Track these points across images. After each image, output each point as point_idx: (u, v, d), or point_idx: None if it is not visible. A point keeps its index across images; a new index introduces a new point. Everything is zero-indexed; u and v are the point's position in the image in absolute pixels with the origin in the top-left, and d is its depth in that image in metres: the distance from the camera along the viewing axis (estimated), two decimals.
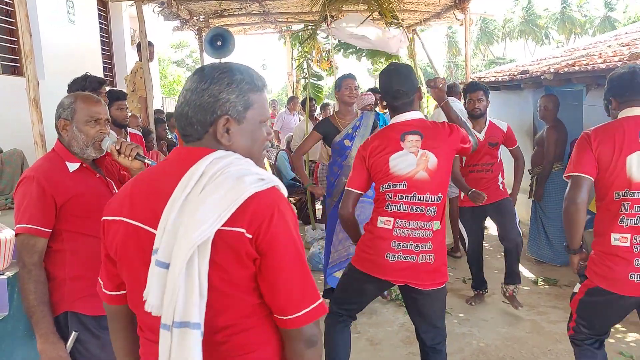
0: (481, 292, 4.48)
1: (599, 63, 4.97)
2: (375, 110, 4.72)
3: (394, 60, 7.68)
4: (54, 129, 2.23)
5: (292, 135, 8.30)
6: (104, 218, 1.35)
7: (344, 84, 4.18)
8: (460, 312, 4.32)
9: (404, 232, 2.56)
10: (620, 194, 2.33)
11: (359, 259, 2.68)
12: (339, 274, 4.01)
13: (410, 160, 2.55)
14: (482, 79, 7.60)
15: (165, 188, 1.24)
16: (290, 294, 1.22)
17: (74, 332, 2.05)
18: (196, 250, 1.16)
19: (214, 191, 1.18)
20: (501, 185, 4.31)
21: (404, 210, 2.56)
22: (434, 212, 2.57)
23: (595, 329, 2.54)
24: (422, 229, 2.56)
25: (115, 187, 2.26)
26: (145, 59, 5.53)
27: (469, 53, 7.48)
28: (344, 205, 2.71)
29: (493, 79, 7.26)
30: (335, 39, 5.81)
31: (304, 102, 6.85)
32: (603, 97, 2.61)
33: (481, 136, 4.24)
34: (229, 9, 7.62)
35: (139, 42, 5.82)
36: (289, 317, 1.22)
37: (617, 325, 3.88)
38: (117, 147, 2.13)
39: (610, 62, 4.94)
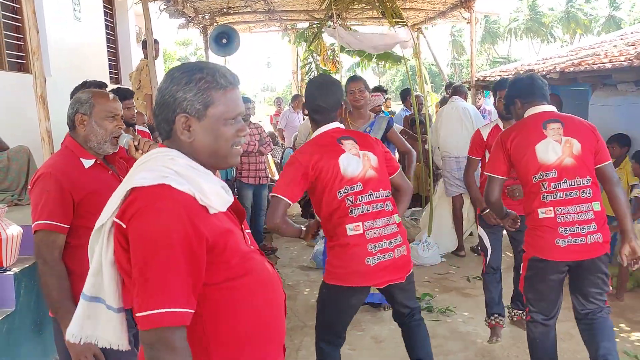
0: (500, 321, 3.72)
1: (605, 63, 4.96)
2: (388, 114, 4.68)
3: (396, 62, 7.68)
4: (61, 125, 2.26)
5: (297, 134, 8.31)
6: None
7: (348, 88, 4.12)
8: (464, 310, 4.32)
9: (375, 233, 2.58)
10: (537, 177, 2.72)
11: (335, 275, 2.61)
12: None
13: (357, 161, 2.61)
14: (487, 78, 7.59)
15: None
16: (135, 290, 1.23)
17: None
18: (103, 232, 1.33)
19: (122, 183, 1.34)
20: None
21: (367, 210, 2.58)
22: (391, 207, 2.66)
23: (543, 301, 2.83)
24: (388, 225, 2.62)
25: None
26: (151, 56, 5.55)
27: (474, 52, 7.46)
28: (273, 216, 2.60)
29: (499, 78, 7.24)
30: (340, 41, 5.79)
31: None
32: (503, 100, 3.06)
33: None
34: (234, 7, 7.63)
35: (145, 39, 5.83)
36: (137, 314, 1.22)
37: (622, 325, 3.90)
38: (136, 143, 2.19)
39: (616, 61, 4.92)
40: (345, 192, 2.57)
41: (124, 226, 1.25)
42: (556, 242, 2.67)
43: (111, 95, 2.27)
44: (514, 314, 3.91)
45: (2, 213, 2.89)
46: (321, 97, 2.67)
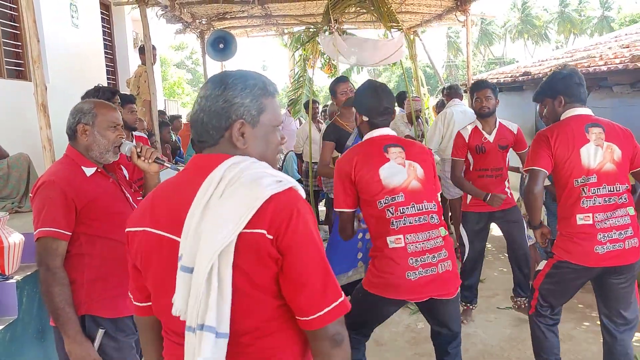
0: (471, 307, 4.18)
1: (600, 65, 5.01)
2: None
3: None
4: (60, 132, 2.27)
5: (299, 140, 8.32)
6: (127, 230, 1.38)
7: (339, 90, 4.11)
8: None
9: (417, 247, 2.47)
10: (579, 181, 2.69)
11: (375, 284, 2.54)
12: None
13: (401, 171, 2.52)
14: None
15: (186, 196, 1.27)
16: (312, 292, 1.22)
17: (100, 330, 2.09)
18: (218, 254, 1.18)
19: (232, 195, 1.22)
20: (508, 192, 4.05)
21: (410, 223, 2.48)
22: (437, 219, 2.55)
23: (558, 301, 2.86)
24: (432, 239, 2.50)
25: (127, 191, 2.31)
26: (149, 62, 5.56)
27: (470, 54, 7.50)
28: (344, 232, 2.63)
29: (495, 80, 7.29)
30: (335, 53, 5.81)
31: (306, 104, 6.87)
32: (542, 94, 2.89)
33: (491, 138, 3.97)
34: (231, 12, 7.65)
35: (142, 45, 5.84)
36: (312, 317, 1.23)
37: None
38: (138, 150, 2.23)
39: (611, 64, 4.97)
40: (385, 203, 2.49)
41: (271, 237, 1.20)
42: (595, 249, 2.65)
43: (113, 105, 2.30)
44: (519, 301, 4.08)
45: (4, 221, 2.90)
46: (386, 99, 2.64)
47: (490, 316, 4.27)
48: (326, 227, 6.16)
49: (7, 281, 2.91)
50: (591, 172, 2.67)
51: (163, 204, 1.33)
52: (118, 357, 2.17)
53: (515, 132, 4.04)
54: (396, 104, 7.86)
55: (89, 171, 2.20)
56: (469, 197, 4.04)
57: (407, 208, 2.49)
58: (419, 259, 2.46)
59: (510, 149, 4.10)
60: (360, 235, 3.98)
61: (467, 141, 3.98)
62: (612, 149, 2.68)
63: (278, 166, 7.72)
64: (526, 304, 3.98)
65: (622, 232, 2.66)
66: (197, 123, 1.33)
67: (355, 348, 2.73)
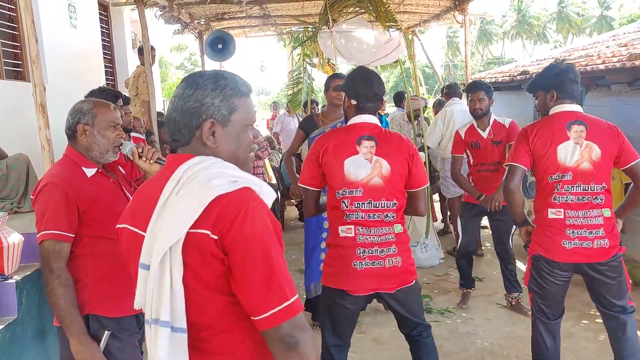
0: (469, 290, 4.47)
1: (598, 64, 5.02)
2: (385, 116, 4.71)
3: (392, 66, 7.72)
4: (59, 132, 2.27)
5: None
6: (117, 226, 1.44)
7: (334, 85, 4.05)
8: (463, 311, 4.35)
9: (366, 239, 2.53)
10: (554, 177, 2.74)
11: (327, 276, 2.63)
12: None
13: (365, 167, 2.53)
14: (483, 80, 7.64)
15: (155, 194, 1.32)
16: (256, 293, 1.22)
17: (106, 332, 2.10)
18: (168, 251, 1.24)
19: (184, 195, 1.26)
20: None
21: (362, 217, 2.53)
22: (393, 217, 2.56)
23: (548, 299, 2.85)
24: (384, 234, 2.54)
25: (127, 191, 2.31)
26: (148, 63, 5.56)
27: (468, 54, 7.51)
28: (307, 209, 2.72)
29: (494, 79, 7.30)
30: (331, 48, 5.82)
31: (305, 104, 6.87)
32: (535, 85, 2.90)
33: (484, 135, 4.23)
34: (229, 12, 7.65)
35: (141, 46, 5.85)
36: (259, 317, 1.23)
37: None
38: (140, 151, 2.23)
39: (609, 62, 4.98)
40: (342, 194, 2.55)
41: (216, 237, 1.22)
42: (562, 243, 2.71)
43: (112, 105, 2.30)
44: (510, 298, 4.28)
45: (3, 222, 2.90)
46: (377, 85, 2.62)
47: (489, 314, 4.28)
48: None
49: (6, 281, 2.91)
50: (567, 169, 2.70)
51: (139, 201, 1.39)
52: (122, 357, 2.17)
53: (508, 126, 4.24)
54: (394, 104, 7.87)
55: (90, 172, 2.20)
56: None
57: (364, 204, 2.53)
58: (366, 250, 2.52)
59: None
60: (323, 245, 3.96)
61: (463, 138, 4.31)
62: (591, 147, 2.69)
63: (274, 164, 7.75)
64: (518, 300, 4.26)
65: (593, 232, 2.70)
66: (170, 122, 1.38)
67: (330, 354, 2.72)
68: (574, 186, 2.70)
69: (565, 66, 2.83)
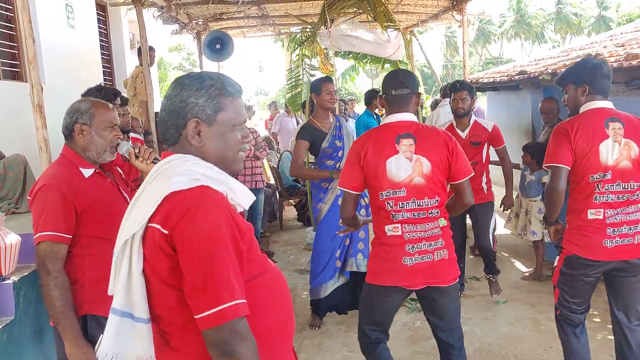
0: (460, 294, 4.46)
1: None
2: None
3: (394, 65, 7.71)
4: (56, 133, 2.26)
5: (293, 140, 8.33)
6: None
7: (325, 88, 4.03)
8: (462, 311, 4.32)
9: (414, 235, 2.54)
10: (595, 177, 2.66)
11: (375, 274, 2.63)
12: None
13: (406, 166, 2.52)
14: (481, 80, 7.65)
15: None
16: (192, 292, 1.23)
17: (102, 335, 2.08)
18: (129, 241, 1.30)
19: (149, 190, 1.31)
20: (485, 187, 4.31)
21: (407, 217, 2.54)
22: (437, 213, 2.58)
23: (577, 297, 2.81)
24: (430, 229, 2.56)
25: (124, 191, 2.30)
26: (146, 63, 5.56)
27: (466, 54, 7.51)
28: (344, 210, 2.70)
29: (492, 79, 7.30)
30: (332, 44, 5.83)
31: (304, 104, 6.87)
32: (566, 79, 2.82)
33: (463, 135, 4.25)
34: (227, 12, 7.65)
35: (140, 46, 5.84)
36: (197, 316, 1.23)
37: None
38: (137, 151, 2.22)
39: None
40: (387, 195, 2.54)
41: (166, 232, 1.24)
42: (604, 243, 2.66)
43: (110, 105, 2.29)
44: (487, 278, 4.53)
45: (1, 222, 2.89)
46: (402, 75, 2.68)
47: (487, 314, 4.28)
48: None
49: (4, 282, 2.90)
50: (607, 168, 2.64)
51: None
52: None
53: (490, 130, 4.28)
54: (365, 103, 7.76)
55: (87, 172, 2.19)
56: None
57: (407, 203, 2.53)
58: (415, 246, 2.53)
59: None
60: (340, 243, 4.03)
61: None
62: (630, 145, 2.64)
63: (272, 164, 7.74)
64: (492, 279, 4.48)
65: (632, 227, 2.66)
66: (160, 122, 1.41)
67: (372, 348, 2.76)
68: (613, 185, 2.64)
69: (599, 61, 2.77)
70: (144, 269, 1.30)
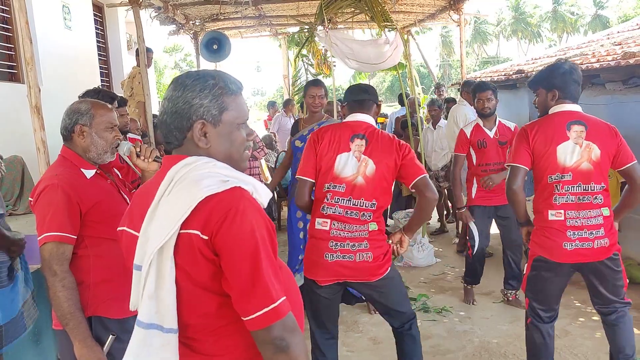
0: (473, 287, 4.54)
1: (593, 62, 5.03)
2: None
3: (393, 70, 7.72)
4: (54, 135, 2.25)
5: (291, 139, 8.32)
6: (118, 229, 1.44)
7: (309, 92, 4.22)
8: (460, 310, 4.35)
9: (340, 234, 2.63)
10: (553, 177, 2.71)
11: (305, 267, 2.75)
12: None
13: (353, 164, 2.63)
14: (478, 79, 7.65)
15: (151, 195, 1.33)
16: (243, 294, 1.22)
17: (111, 336, 2.07)
18: (157, 253, 1.24)
19: (175, 196, 1.27)
20: None
21: (339, 213, 2.63)
22: (369, 216, 2.64)
23: (546, 302, 2.85)
24: (358, 231, 2.63)
25: (123, 192, 2.30)
26: (144, 64, 5.55)
27: (463, 53, 7.53)
28: (300, 197, 2.77)
29: (489, 78, 7.31)
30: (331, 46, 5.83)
31: (302, 104, 6.87)
32: (537, 83, 2.88)
33: (491, 134, 4.29)
34: (224, 13, 7.64)
35: (137, 47, 5.84)
36: (247, 318, 1.22)
37: None
38: (138, 150, 2.23)
39: (603, 61, 5.00)
40: (328, 188, 2.66)
41: (206, 238, 1.21)
42: (564, 245, 2.69)
43: (109, 106, 2.29)
44: (509, 294, 4.39)
45: None
46: (363, 87, 2.86)
47: (487, 313, 4.29)
48: None
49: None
50: (567, 169, 2.68)
51: (137, 203, 1.40)
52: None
53: (513, 130, 4.35)
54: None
55: (89, 173, 2.18)
56: (474, 191, 4.33)
57: (344, 200, 2.64)
58: (338, 244, 2.62)
59: None
60: (302, 235, 4.21)
61: (469, 137, 4.32)
62: (591, 148, 2.68)
63: (269, 164, 7.74)
64: (516, 296, 4.35)
65: (593, 232, 2.69)
66: (162, 125, 1.37)
67: (318, 349, 2.82)
68: (574, 186, 2.69)
69: (569, 66, 2.81)
70: (175, 277, 1.26)
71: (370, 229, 2.64)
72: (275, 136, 9.65)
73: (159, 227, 1.25)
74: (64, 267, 2.03)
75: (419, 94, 8.84)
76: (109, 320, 2.12)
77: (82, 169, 2.16)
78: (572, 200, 2.70)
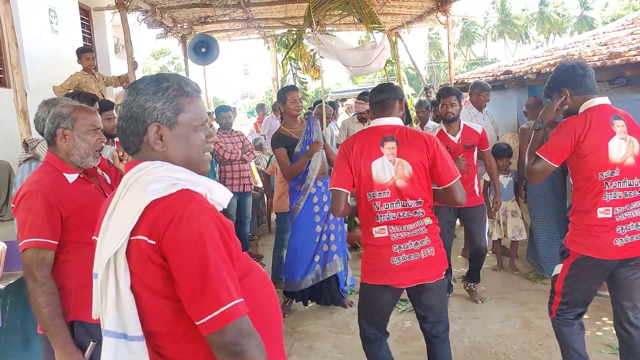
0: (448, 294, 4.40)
1: None
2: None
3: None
4: (40, 138, 2.23)
5: None
6: (92, 238, 1.43)
7: (290, 97, 4.26)
8: (450, 310, 4.33)
9: (400, 235, 2.62)
10: (604, 175, 2.64)
11: (367, 274, 2.72)
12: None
13: (389, 169, 2.62)
14: (466, 80, 7.69)
15: (109, 204, 1.35)
16: (192, 298, 1.19)
17: (92, 342, 2.06)
18: (111, 259, 1.24)
19: (125, 202, 1.26)
20: (477, 190, 4.37)
21: (393, 218, 2.62)
22: (422, 212, 2.65)
23: (580, 302, 2.80)
24: (416, 228, 2.63)
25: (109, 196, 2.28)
26: (131, 67, 5.52)
27: (451, 55, 7.56)
28: (337, 209, 2.73)
29: (477, 79, 7.34)
30: (318, 48, 5.85)
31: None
32: (550, 89, 2.84)
33: (455, 139, 4.29)
34: (212, 16, 7.63)
35: (78, 48, 5.72)
36: (198, 322, 1.20)
37: (604, 318, 3.98)
38: (120, 154, 2.22)
39: (589, 61, 5.05)
40: (373, 197, 2.64)
41: (154, 243, 1.20)
42: (614, 241, 2.64)
43: (92, 109, 2.26)
44: (469, 286, 4.58)
45: None
46: (384, 87, 2.78)
47: (477, 313, 4.30)
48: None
49: None
50: (615, 166, 2.63)
51: (102, 211, 1.39)
52: None
53: (480, 133, 4.35)
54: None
55: (72, 177, 2.16)
56: None
57: (392, 204, 2.62)
58: (402, 246, 2.61)
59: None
60: (317, 238, 4.28)
61: None
62: (634, 142, 2.66)
63: (259, 167, 7.72)
64: (473, 288, 4.55)
65: (639, 224, 2.66)
66: (120, 131, 1.36)
67: (370, 344, 2.84)
68: (620, 182, 2.64)
69: (571, 63, 2.82)
70: (132, 284, 1.25)
71: (426, 224, 2.64)
72: (265, 139, 9.64)
73: (112, 234, 1.25)
74: (44, 273, 2.01)
75: (408, 95, 8.86)
76: (92, 325, 2.11)
77: (64, 174, 2.14)
78: (619, 197, 2.64)
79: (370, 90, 2.94)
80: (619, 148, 2.63)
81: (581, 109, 2.72)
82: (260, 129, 11.11)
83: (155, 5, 6.43)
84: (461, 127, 4.32)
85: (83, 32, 7.59)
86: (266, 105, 12.72)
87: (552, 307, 2.89)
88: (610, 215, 2.64)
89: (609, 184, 2.64)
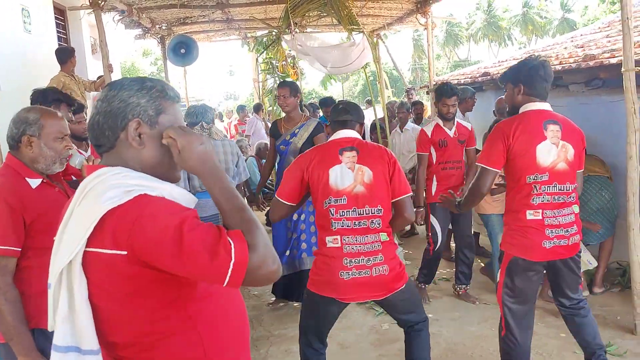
0: (426, 286, 4.64)
1: (556, 65, 5.11)
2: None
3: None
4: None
5: (263, 142, 8.29)
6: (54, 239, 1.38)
7: (278, 93, 4.39)
8: (429, 312, 4.30)
9: (353, 248, 2.58)
10: (532, 178, 2.69)
11: (314, 282, 2.69)
12: None
13: (348, 175, 2.61)
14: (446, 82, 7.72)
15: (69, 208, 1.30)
16: (204, 272, 1.16)
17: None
18: (65, 270, 1.19)
19: (79, 211, 1.22)
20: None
21: (348, 226, 2.59)
22: (378, 223, 2.62)
23: (524, 302, 2.82)
24: (370, 243, 2.59)
25: None
26: (106, 68, 5.42)
27: (432, 56, 7.57)
28: (273, 216, 2.76)
29: (455, 81, 7.38)
30: (297, 49, 5.81)
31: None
32: (506, 77, 2.85)
33: (451, 133, 4.43)
34: (191, 17, 7.55)
35: (57, 48, 5.62)
36: (225, 284, 1.17)
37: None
38: (91, 163, 2.19)
39: (565, 63, 5.09)
40: (329, 203, 2.60)
41: (125, 253, 1.16)
42: (542, 243, 2.70)
43: (59, 114, 2.19)
44: (459, 289, 4.59)
45: None
46: (345, 107, 2.82)
47: (454, 314, 4.29)
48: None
49: None
50: (544, 170, 2.67)
51: (61, 216, 1.34)
52: None
53: (470, 129, 4.56)
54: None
55: (34, 183, 2.10)
56: (434, 188, 4.43)
57: (348, 212, 2.59)
58: (352, 260, 2.57)
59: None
60: (289, 239, 4.32)
61: (430, 137, 4.42)
62: (567, 148, 2.70)
63: None
64: (466, 290, 4.56)
65: (568, 229, 2.74)
66: (94, 126, 1.32)
67: (316, 353, 2.80)
68: (550, 186, 2.69)
69: (538, 62, 2.78)
70: (90, 295, 1.20)
71: (382, 240, 2.61)
72: (248, 139, 9.59)
73: (66, 245, 1.20)
74: (7, 280, 1.97)
75: (389, 97, 8.87)
76: (52, 332, 2.05)
77: (26, 178, 2.08)
78: (548, 200, 2.70)
79: (333, 107, 2.97)
80: (549, 152, 2.66)
81: (520, 110, 2.76)
82: (239, 130, 11.07)
83: (132, 5, 6.33)
84: (455, 123, 4.48)
85: (58, 32, 7.45)
86: (247, 107, 12.67)
87: (501, 322, 2.93)
88: (540, 217, 2.69)
89: (538, 188, 2.68)
